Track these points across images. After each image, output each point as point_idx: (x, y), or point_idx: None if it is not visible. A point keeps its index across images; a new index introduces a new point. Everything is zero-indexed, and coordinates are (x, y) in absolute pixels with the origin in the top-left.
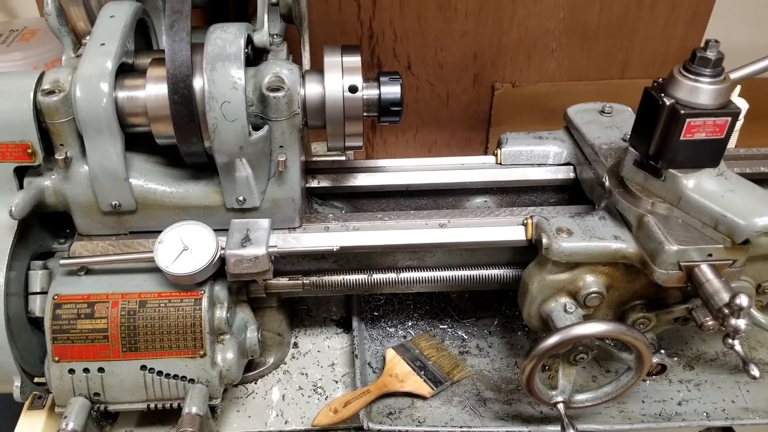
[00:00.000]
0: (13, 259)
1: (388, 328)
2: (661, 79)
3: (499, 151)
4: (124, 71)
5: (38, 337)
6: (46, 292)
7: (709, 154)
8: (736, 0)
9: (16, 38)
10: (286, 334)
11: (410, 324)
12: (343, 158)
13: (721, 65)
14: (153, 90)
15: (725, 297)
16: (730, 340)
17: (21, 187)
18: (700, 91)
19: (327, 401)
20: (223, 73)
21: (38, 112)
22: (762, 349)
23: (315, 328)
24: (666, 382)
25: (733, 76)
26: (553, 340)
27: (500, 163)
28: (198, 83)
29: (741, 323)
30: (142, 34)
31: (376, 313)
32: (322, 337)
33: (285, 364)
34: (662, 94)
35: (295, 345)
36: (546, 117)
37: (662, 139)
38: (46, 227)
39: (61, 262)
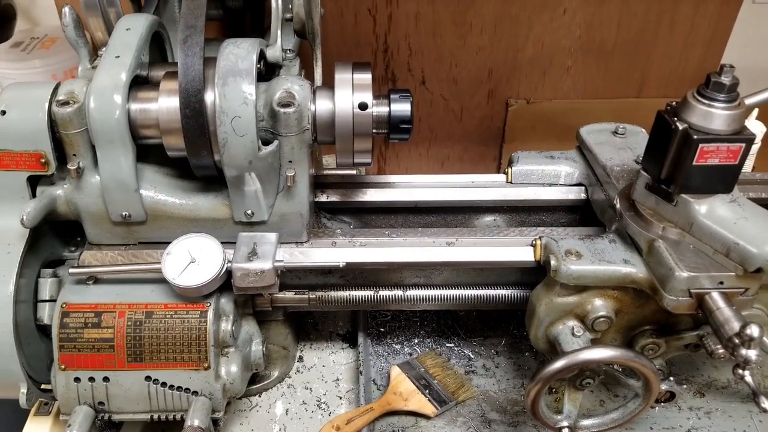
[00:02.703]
0: (23, 267)
1: (394, 345)
2: (674, 103)
3: (509, 169)
4: (138, 83)
5: (46, 345)
6: (54, 300)
7: (722, 180)
8: (756, 21)
9: (36, 46)
10: (292, 348)
11: (417, 341)
12: (354, 172)
13: (735, 90)
14: (165, 103)
15: (736, 326)
16: (740, 371)
17: (33, 195)
18: (714, 116)
19: (330, 417)
20: (234, 88)
21: (52, 123)
22: None
23: (321, 342)
24: (675, 408)
25: (749, 101)
26: (559, 364)
27: (511, 182)
28: (209, 97)
29: (752, 354)
30: (157, 46)
31: (382, 329)
32: (327, 352)
33: (289, 377)
34: (675, 118)
35: (300, 359)
36: (561, 134)
37: (674, 164)
38: (57, 235)
39: (71, 271)
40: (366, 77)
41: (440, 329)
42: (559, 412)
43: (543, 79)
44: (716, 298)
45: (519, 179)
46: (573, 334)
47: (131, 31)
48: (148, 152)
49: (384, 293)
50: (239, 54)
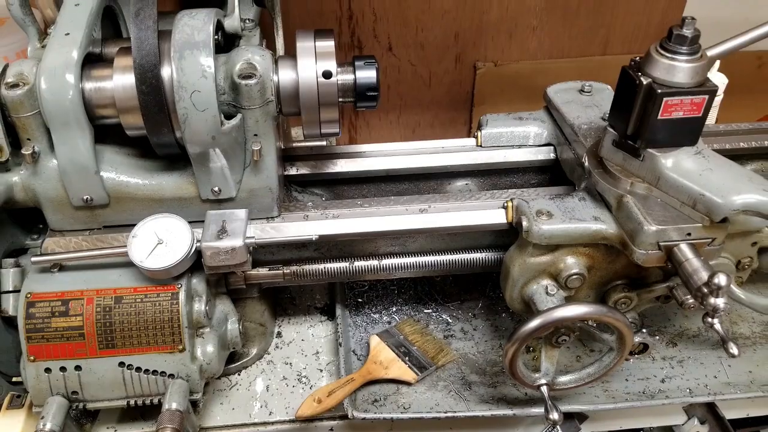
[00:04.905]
0: None
1: (372, 314)
2: (638, 58)
3: (479, 133)
4: (92, 61)
5: (13, 336)
6: (18, 291)
7: (687, 133)
8: None
9: None
10: (269, 324)
11: (395, 309)
12: (324, 143)
13: (697, 43)
14: (120, 80)
15: (704, 276)
16: (709, 319)
17: None
18: (677, 69)
19: (312, 390)
20: (191, 61)
21: (2, 106)
22: (743, 324)
23: (299, 316)
24: (649, 359)
25: (711, 53)
26: (534, 323)
27: (481, 146)
28: (167, 72)
29: (720, 302)
30: (110, 21)
31: (360, 300)
32: (306, 326)
33: (268, 354)
34: (639, 73)
35: (279, 334)
36: (529, 96)
37: (640, 119)
38: (17, 223)
39: (33, 259)
40: (329, 44)
41: (417, 296)
42: (537, 370)
43: (509, 41)
44: (684, 250)
45: (489, 142)
46: (547, 293)
47: (80, 6)
48: (106, 133)
49: (360, 264)
50: (195, 25)
